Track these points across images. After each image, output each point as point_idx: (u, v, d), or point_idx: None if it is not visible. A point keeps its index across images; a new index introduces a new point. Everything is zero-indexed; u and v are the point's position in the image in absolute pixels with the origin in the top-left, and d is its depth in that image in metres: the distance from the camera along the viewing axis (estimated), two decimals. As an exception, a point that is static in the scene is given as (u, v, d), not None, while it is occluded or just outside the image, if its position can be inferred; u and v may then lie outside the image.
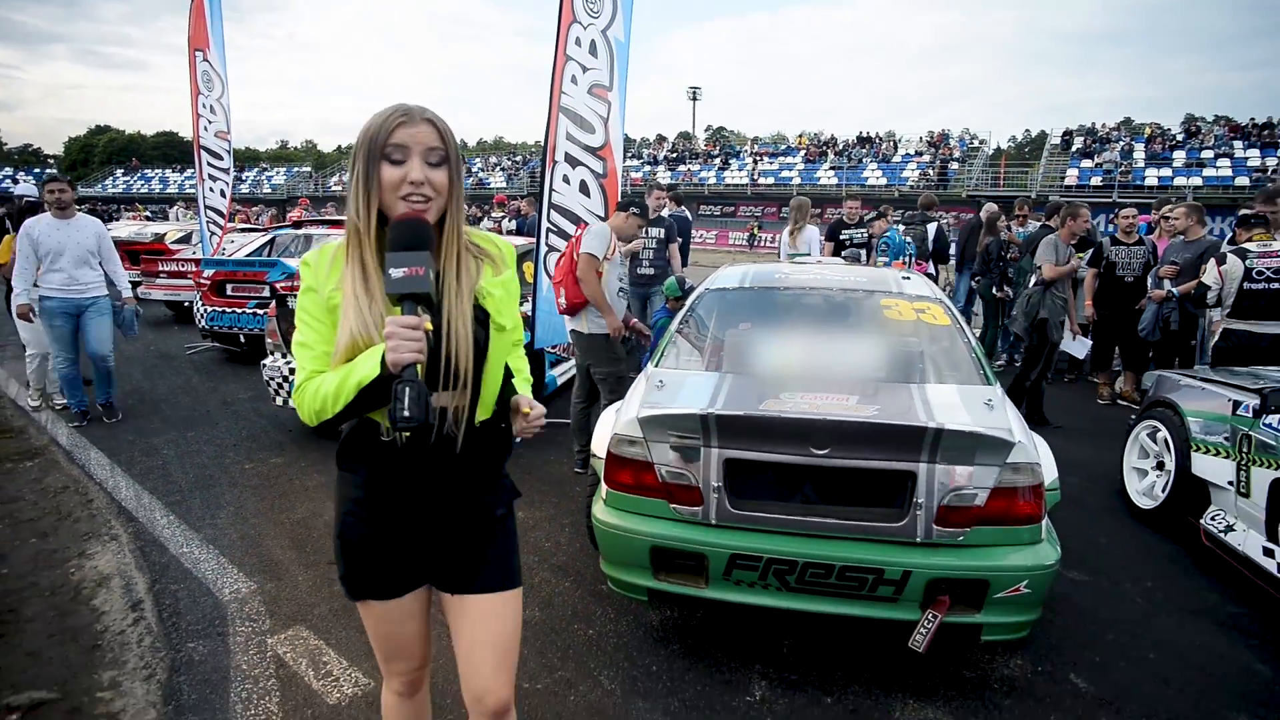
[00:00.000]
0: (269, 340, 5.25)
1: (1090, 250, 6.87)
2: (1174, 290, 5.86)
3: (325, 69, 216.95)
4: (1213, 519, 3.68)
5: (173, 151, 63.93)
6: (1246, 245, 4.75)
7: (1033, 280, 5.92)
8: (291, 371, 5.00)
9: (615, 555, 2.57)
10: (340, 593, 3.05)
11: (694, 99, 51.64)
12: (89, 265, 5.17)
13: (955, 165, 31.85)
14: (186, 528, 3.75)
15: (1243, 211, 6.08)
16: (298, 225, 9.21)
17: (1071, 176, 28.50)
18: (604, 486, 2.62)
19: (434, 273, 1.30)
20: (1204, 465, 3.78)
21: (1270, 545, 3.24)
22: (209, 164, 8.34)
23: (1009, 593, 2.34)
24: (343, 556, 1.52)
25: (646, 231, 6.46)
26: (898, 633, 2.45)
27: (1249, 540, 3.38)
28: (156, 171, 54.22)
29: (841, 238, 7.37)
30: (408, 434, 1.23)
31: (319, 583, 3.23)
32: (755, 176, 35.15)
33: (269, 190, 46.95)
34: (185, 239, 10.93)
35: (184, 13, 8.31)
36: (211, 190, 8.34)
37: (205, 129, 8.27)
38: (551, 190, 5.31)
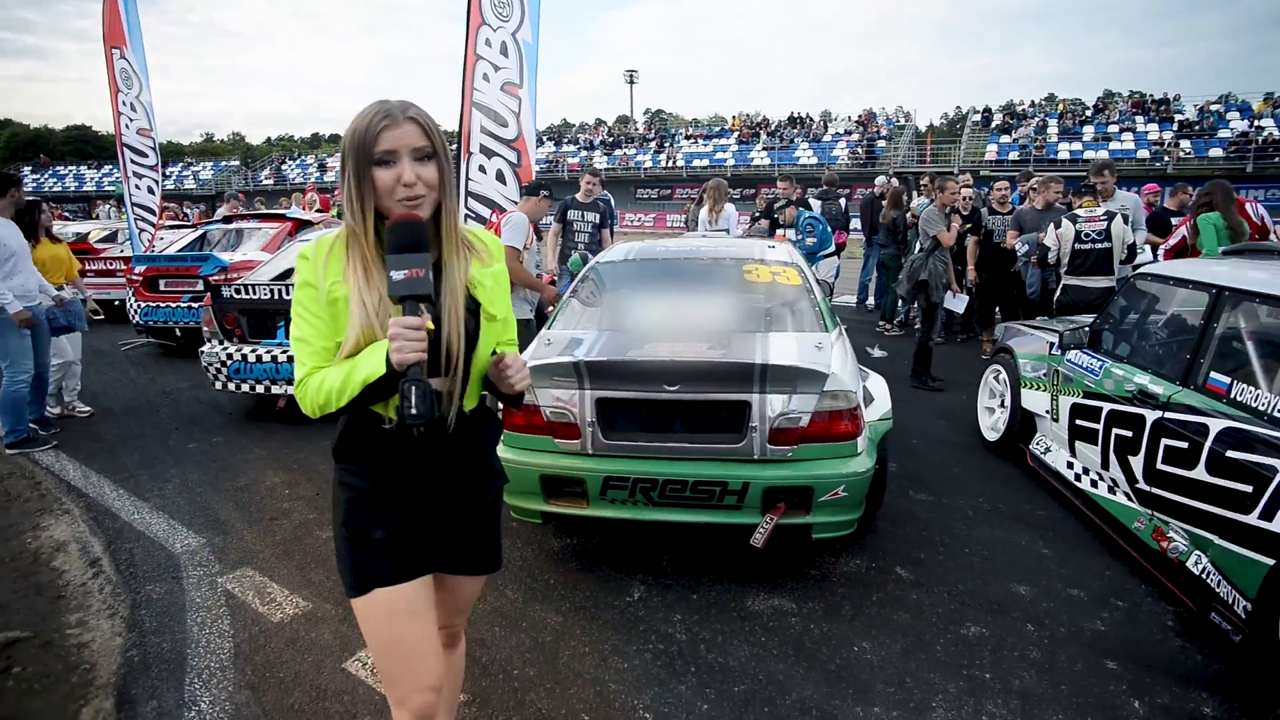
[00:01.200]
0: (206, 329, 5.54)
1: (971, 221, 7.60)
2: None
3: (249, 57, 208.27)
4: (1036, 444, 4.37)
5: (86, 147, 61.01)
6: (1077, 211, 5.48)
7: (918, 247, 6.59)
8: (229, 357, 5.32)
9: (513, 486, 3.06)
10: (283, 540, 3.53)
11: (631, 82, 51.86)
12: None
13: (883, 143, 33.00)
14: (136, 499, 4.09)
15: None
16: (228, 220, 9.36)
17: (991, 152, 29.93)
18: (503, 429, 3.10)
19: (432, 270, 1.35)
20: (1030, 399, 4.46)
21: (1071, 459, 3.92)
22: (133, 162, 8.42)
23: (830, 496, 2.92)
24: (348, 543, 1.51)
25: (583, 215, 6.92)
26: (748, 538, 3.00)
27: (1058, 457, 4.07)
28: (70, 168, 51.81)
29: (774, 215, 7.95)
30: (420, 429, 1.29)
31: (263, 534, 3.64)
32: (675, 160, 35.96)
33: (194, 186, 45.48)
34: (110, 237, 10.88)
35: (89, -7, 8.28)
36: (138, 188, 8.42)
37: (127, 127, 8.33)
38: (468, 179, 5.72)
